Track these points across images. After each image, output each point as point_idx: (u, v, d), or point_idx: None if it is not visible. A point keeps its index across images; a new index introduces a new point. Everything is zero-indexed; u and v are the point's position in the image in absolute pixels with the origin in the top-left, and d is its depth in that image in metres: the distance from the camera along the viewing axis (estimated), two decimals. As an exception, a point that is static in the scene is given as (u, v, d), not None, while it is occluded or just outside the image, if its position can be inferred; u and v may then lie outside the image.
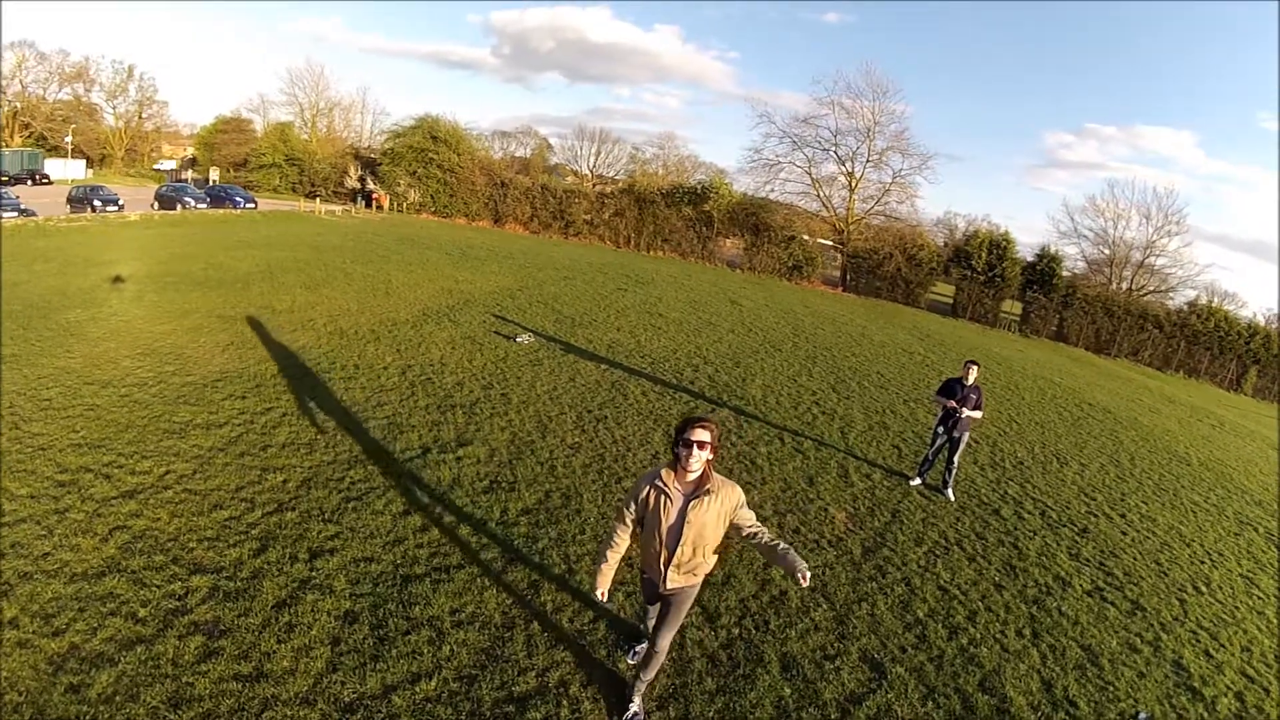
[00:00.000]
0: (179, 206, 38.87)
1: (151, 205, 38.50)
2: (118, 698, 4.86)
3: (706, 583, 7.36)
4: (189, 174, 65.49)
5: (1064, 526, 10.73)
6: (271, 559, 6.74)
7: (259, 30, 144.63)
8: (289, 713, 4.91)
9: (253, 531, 7.17)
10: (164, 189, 43.75)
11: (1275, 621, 8.93)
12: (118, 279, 16.85)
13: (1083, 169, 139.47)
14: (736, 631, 6.64)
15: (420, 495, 8.40)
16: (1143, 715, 6.39)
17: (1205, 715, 6.61)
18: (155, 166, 70.22)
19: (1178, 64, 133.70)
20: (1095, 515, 11.50)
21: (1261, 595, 9.66)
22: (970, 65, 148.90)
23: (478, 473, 9.26)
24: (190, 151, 73.09)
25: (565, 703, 5.41)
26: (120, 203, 36.21)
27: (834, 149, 52.25)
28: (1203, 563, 10.40)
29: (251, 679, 5.18)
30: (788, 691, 5.91)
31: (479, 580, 6.83)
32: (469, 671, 5.57)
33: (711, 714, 5.53)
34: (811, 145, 52.77)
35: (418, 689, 5.30)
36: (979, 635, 7.24)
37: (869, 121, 51.15)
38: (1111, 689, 6.74)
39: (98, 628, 5.51)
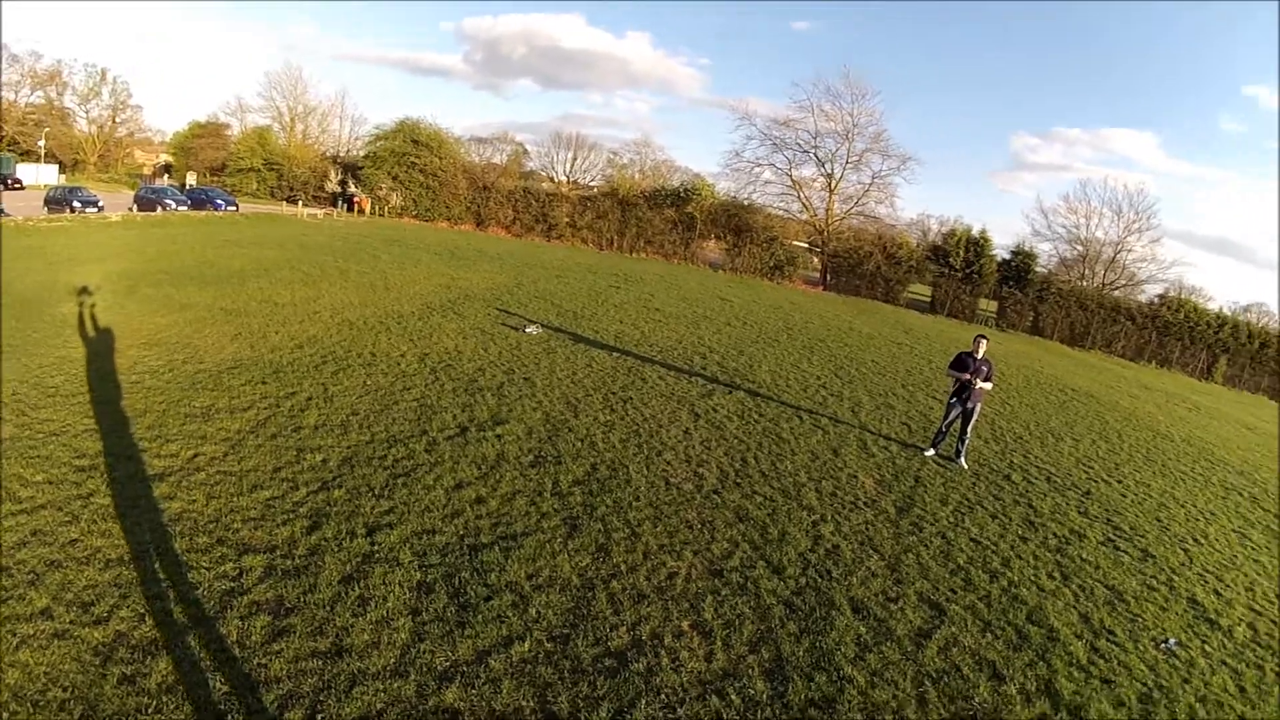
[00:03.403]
0: (159, 209, 38.29)
1: (130, 208, 37.88)
2: (181, 686, 4.54)
3: (766, 540, 7.68)
4: (166, 178, 64.35)
5: (1069, 490, 11.38)
6: (327, 535, 6.62)
7: (226, 35, 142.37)
8: (381, 686, 4.76)
9: (300, 510, 7.05)
10: (142, 191, 43.09)
11: (1270, 567, 9.70)
12: (84, 290, 16.49)
13: (1049, 171, 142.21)
14: (804, 581, 6.95)
15: (469, 470, 8.46)
16: (1172, 641, 7.00)
17: (1225, 641, 7.24)
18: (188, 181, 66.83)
19: (1141, 67, 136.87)
20: (1095, 481, 12.18)
21: (1255, 546, 10.46)
22: (937, 72, 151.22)
23: (520, 448, 9.39)
24: (164, 158, 71.83)
25: (663, 653, 5.56)
26: (100, 204, 35.59)
27: (814, 151, 52.94)
28: (1198, 520, 11.15)
29: (331, 655, 5.00)
30: (864, 630, 6.27)
31: (548, 546, 6.94)
32: (560, 631, 5.65)
33: (802, 653, 5.81)
34: (791, 147, 53.41)
35: (513, 651, 5.30)
36: (1016, 578, 7.80)
37: (848, 124, 51.89)
38: (1140, 620, 7.37)
39: (145, 614, 5.17)
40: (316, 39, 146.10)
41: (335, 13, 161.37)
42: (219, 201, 43.20)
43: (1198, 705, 5.98)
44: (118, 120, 70.96)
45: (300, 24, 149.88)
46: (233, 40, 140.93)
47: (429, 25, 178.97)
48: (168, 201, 40.11)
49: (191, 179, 60.07)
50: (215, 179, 59.71)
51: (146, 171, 70.99)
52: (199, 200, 43.05)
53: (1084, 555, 8.75)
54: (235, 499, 7.15)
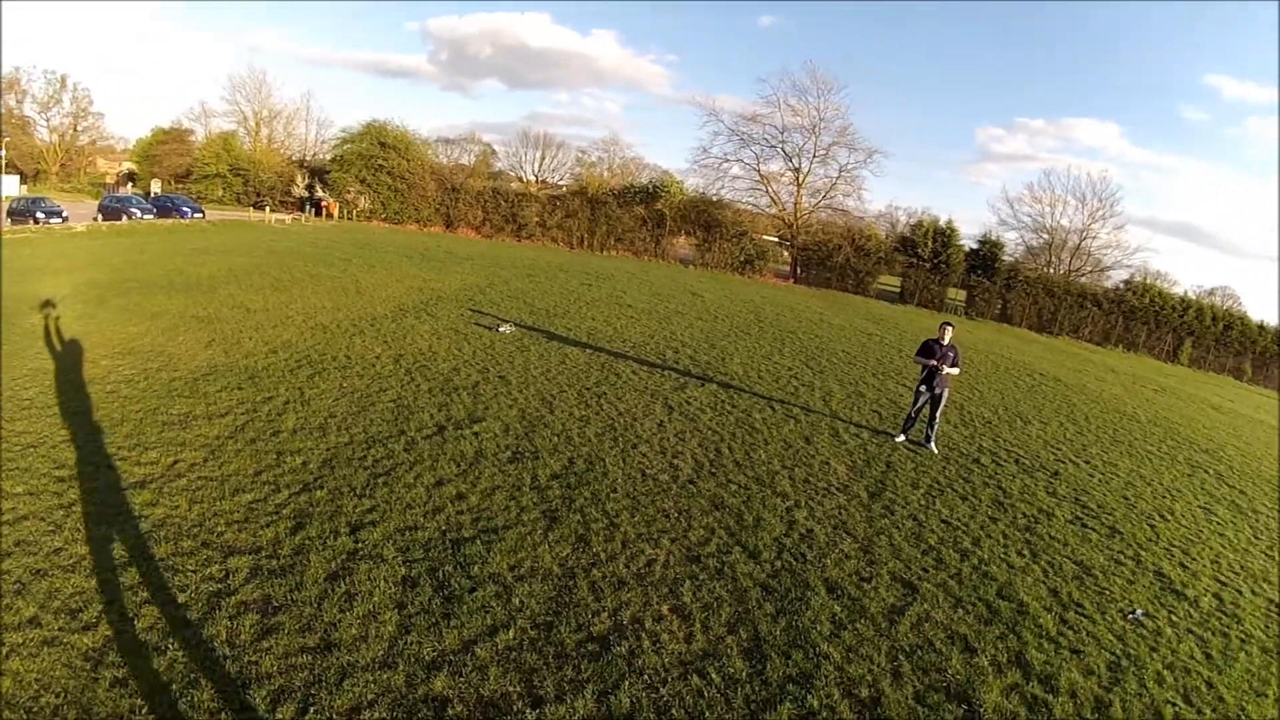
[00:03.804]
0: (125, 217, 37.75)
1: (95, 217, 37.31)
2: (174, 686, 4.62)
3: (741, 526, 7.91)
4: (130, 187, 63.26)
5: (1038, 471, 11.72)
6: (311, 535, 6.72)
7: (186, 40, 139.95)
8: (370, 678, 4.89)
9: (283, 511, 7.14)
10: (107, 200, 42.43)
11: (1235, 540, 10.09)
12: (47, 303, 16.30)
13: (1014, 161, 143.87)
14: (779, 564, 7.19)
15: (448, 468, 8.60)
16: (1139, 611, 7.30)
17: (1191, 611, 7.56)
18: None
19: (1103, 58, 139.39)
20: (1063, 462, 12.55)
21: (1220, 521, 10.86)
22: (902, 65, 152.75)
23: (498, 445, 9.54)
24: (127, 165, 70.47)
25: (644, 636, 5.75)
26: (64, 214, 34.95)
27: (781, 145, 53.36)
28: (1164, 498, 11.54)
29: (320, 650, 5.12)
30: (838, 608, 6.52)
31: (529, 538, 7.10)
32: (544, 619, 5.82)
33: (779, 632, 6.04)
34: (759, 142, 53.80)
35: (498, 640, 5.46)
36: (986, 556, 8.09)
37: (814, 118, 52.36)
38: (1108, 593, 7.68)
39: (134, 618, 5.23)
40: (279, 42, 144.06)
41: (297, 15, 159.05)
42: (185, 209, 42.51)
43: (1165, 672, 6.25)
44: (79, 128, 68.83)
45: (262, 27, 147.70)
46: (193, 44, 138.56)
47: (393, 26, 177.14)
48: (133, 210, 39.41)
49: (156, 187, 59.04)
50: (180, 186, 58.81)
51: (109, 180, 69.54)
52: (165, 208, 42.34)
53: (1052, 533, 9.07)
54: (218, 503, 7.19)
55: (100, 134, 71.93)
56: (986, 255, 49.14)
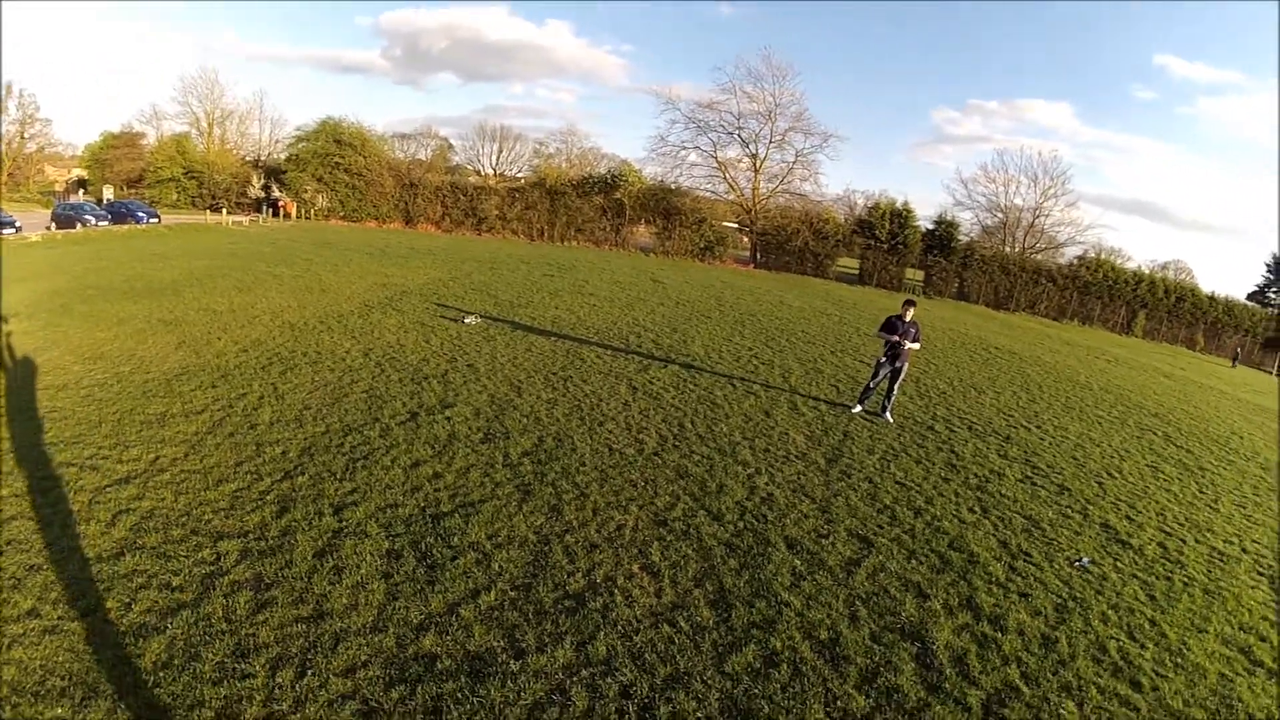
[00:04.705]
0: (79, 225, 37.18)
1: (49, 226, 36.67)
2: (176, 661, 4.87)
3: (705, 492, 8.35)
4: (81, 194, 61.79)
5: (990, 436, 12.32)
6: (297, 517, 7.00)
7: (135, 41, 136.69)
8: (363, 641, 5.20)
9: (268, 497, 7.40)
10: (60, 208, 41.66)
11: (1181, 495, 10.73)
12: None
13: (969, 142, 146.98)
14: (742, 525, 7.67)
15: (423, 450, 8.92)
16: (1085, 559, 7.82)
17: (1137, 558, 8.13)
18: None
19: (1055, 39, 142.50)
20: (1015, 427, 13.18)
21: (1166, 478, 11.52)
22: (858, 53, 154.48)
23: (470, 427, 9.88)
24: (76, 173, 68.76)
25: (617, 592, 6.18)
26: (17, 224, 34.20)
27: (738, 132, 54.02)
28: (1112, 458, 12.18)
29: (314, 619, 5.41)
30: (798, 562, 7.00)
31: (504, 510, 7.49)
32: (523, 581, 6.21)
33: (743, 585, 6.50)
34: (716, 129, 54.42)
35: (480, 601, 5.84)
36: (939, 513, 8.62)
37: (770, 104, 53.03)
38: (1055, 544, 8.22)
39: (131, 602, 5.45)
40: (230, 40, 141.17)
41: (246, 11, 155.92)
42: (140, 214, 41.91)
43: (1110, 612, 6.79)
44: (26, 135, 67.20)
45: (212, 24, 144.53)
46: (141, 45, 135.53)
47: (344, 21, 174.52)
48: (87, 217, 38.86)
49: (108, 193, 57.86)
50: (133, 191, 57.69)
51: (59, 188, 67.81)
52: (119, 214, 41.70)
53: (1003, 491, 9.62)
54: (203, 493, 7.42)
55: (48, 140, 69.89)
56: (943, 235, 50.30)
